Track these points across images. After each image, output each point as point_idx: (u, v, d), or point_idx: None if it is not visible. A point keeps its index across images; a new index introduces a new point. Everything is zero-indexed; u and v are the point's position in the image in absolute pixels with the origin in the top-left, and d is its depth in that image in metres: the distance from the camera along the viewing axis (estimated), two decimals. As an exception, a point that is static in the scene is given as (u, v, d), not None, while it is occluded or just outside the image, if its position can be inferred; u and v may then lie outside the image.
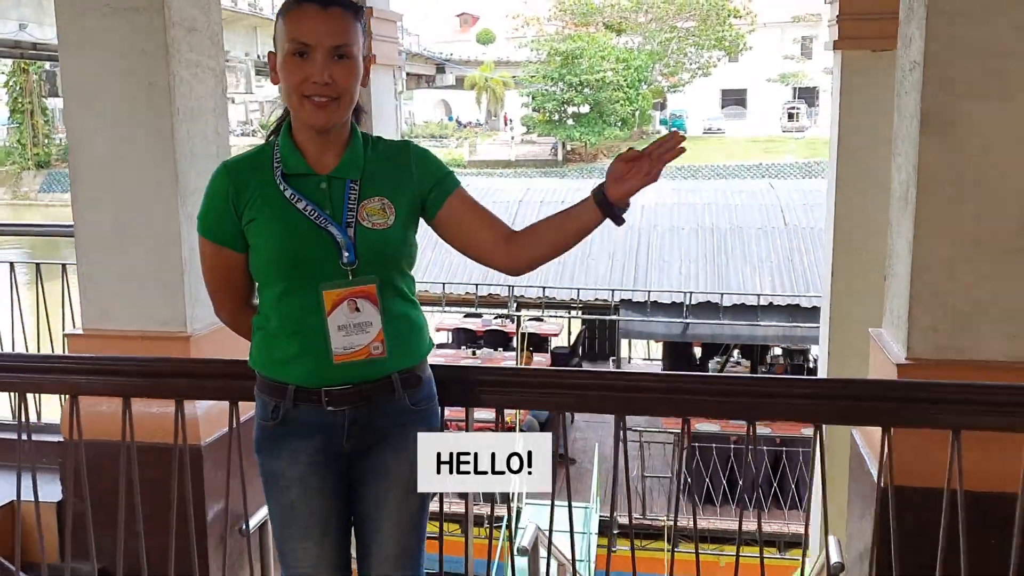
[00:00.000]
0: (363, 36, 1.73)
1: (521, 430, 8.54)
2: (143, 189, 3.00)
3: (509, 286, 8.68)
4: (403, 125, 51.26)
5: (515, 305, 8.72)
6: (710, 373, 7.47)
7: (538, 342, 11.71)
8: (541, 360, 10.71)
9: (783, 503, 7.95)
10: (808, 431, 7.83)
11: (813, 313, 7.53)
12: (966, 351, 2.59)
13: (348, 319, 1.72)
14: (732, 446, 7.94)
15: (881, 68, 3.97)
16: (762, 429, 8.23)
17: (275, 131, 1.83)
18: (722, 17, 44.96)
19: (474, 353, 10.85)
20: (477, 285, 8.65)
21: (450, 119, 54.69)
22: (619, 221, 1.76)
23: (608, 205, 1.73)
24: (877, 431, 2.88)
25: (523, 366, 3.57)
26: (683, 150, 1.70)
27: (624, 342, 10.26)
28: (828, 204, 4.50)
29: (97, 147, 2.99)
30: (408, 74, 53.12)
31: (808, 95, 49.58)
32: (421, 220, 1.84)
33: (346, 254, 1.70)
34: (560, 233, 1.79)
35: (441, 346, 11.90)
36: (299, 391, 1.74)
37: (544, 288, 8.63)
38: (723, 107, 51.49)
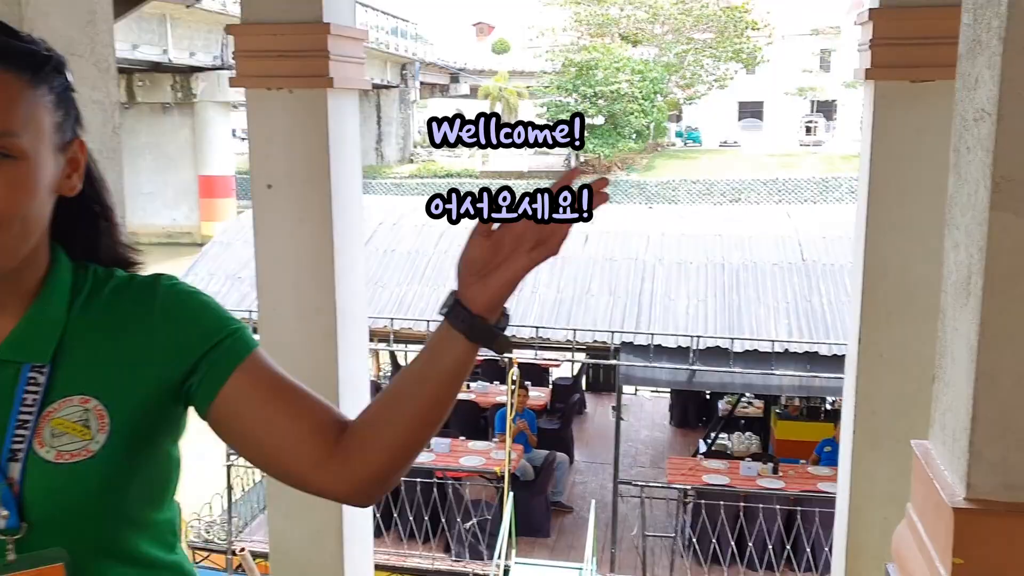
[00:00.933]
0: (56, 111, 1.00)
1: (514, 476, 7.92)
2: None
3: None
4: (415, 134, 50.98)
5: (506, 345, 8.07)
6: None
7: (538, 374, 11.07)
8: (539, 394, 10.08)
9: (796, 565, 7.28)
10: (826, 487, 7.17)
11: (833, 362, 6.89)
12: (1049, 493, 1.95)
13: (6, 632, 0.94)
14: (742, 504, 7.26)
15: (922, 101, 3.34)
16: (775, 483, 7.57)
17: None
18: (740, 29, 44.35)
19: (468, 386, 10.23)
20: (465, 323, 7.97)
21: (464, 129, 54.37)
22: (501, 347, 1.02)
23: (474, 322, 0.99)
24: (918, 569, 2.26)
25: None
26: (605, 196, 0.99)
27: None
28: (856, 253, 3.86)
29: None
30: (422, 83, 52.84)
31: (826, 108, 48.93)
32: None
33: (3, 514, 0.95)
34: (409, 405, 1.02)
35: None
36: None
37: (538, 328, 7.99)
38: (740, 120, 50.83)
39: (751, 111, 51.06)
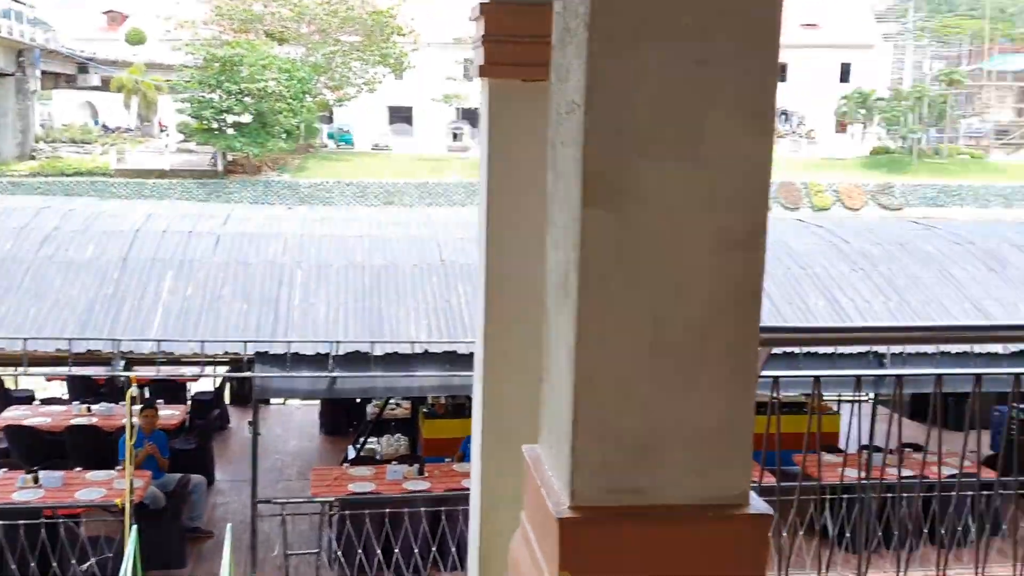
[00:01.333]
0: None
1: (143, 505, 7.16)
2: None
3: (114, 340, 7.19)
4: (37, 128, 45.76)
5: (123, 363, 7.26)
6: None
7: (173, 390, 10.19)
8: (173, 413, 9.26)
9: (443, 566, 7.30)
10: (469, 483, 7.26)
11: (471, 360, 6.97)
12: (647, 493, 1.92)
13: None
14: (388, 510, 7.13)
15: (534, 101, 3.34)
16: (421, 484, 7.55)
17: None
18: (386, 34, 44.95)
19: (89, 410, 9.12)
20: (71, 340, 7.07)
21: (96, 123, 49.86)
22: None
23: None
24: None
25: None
26: None
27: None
28: (479, 253, 3.83)
29: None
30: (44, 72, 47.72)
31: (471, 116, 51.14)
32: None
33: None
34: None
35: (49, 401, 9.97)
36: None
37: (160, 342, 7.25)
38: (390, 124, 51.56)
39: (401, 116, 52.01)
